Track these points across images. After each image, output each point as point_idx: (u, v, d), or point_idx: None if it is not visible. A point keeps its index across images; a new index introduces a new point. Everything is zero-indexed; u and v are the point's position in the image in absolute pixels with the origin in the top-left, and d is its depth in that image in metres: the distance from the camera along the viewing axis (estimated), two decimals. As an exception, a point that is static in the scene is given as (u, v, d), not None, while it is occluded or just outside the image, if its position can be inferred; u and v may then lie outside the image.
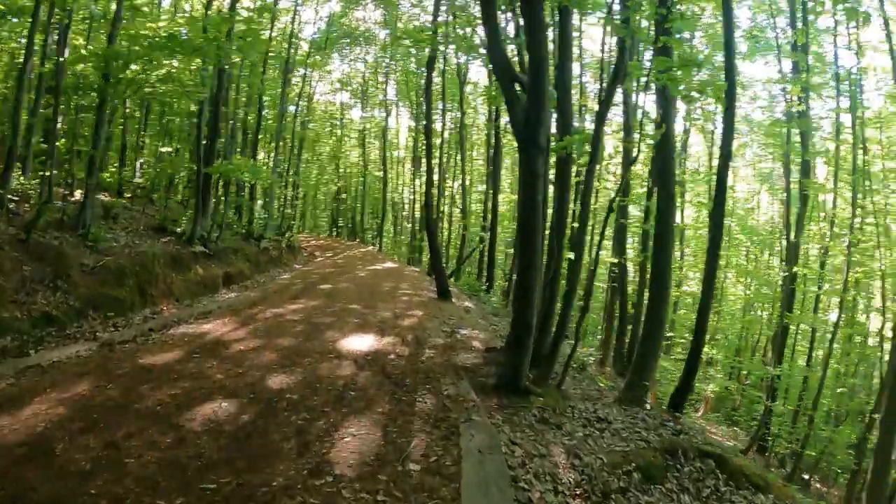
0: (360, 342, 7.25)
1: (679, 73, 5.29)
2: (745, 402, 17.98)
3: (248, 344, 6.85)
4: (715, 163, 18.50)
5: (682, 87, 5.53)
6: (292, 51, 24.39)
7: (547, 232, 7.41)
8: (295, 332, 7.67)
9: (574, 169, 8.51)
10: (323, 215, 46.33)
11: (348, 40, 33.52)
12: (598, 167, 6.95)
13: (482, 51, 10.62)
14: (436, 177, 23.04)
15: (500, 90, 10.34)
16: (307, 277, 15.13)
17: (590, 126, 22.21)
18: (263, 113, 22.60)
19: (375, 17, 31.42)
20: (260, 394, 5.03)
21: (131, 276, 9.42)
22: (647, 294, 13.34)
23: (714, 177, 8.76)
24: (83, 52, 10.26)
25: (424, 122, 13.82)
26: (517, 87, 6.08)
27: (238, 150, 19.50)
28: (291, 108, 25.18)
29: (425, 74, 13.39)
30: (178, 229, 12.42)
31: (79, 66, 10.17)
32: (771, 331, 17.01)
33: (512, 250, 27.30)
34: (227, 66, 12.64)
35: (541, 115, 5.62)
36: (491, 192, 20.84)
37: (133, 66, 9.33)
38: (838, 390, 12.83)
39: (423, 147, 22.71)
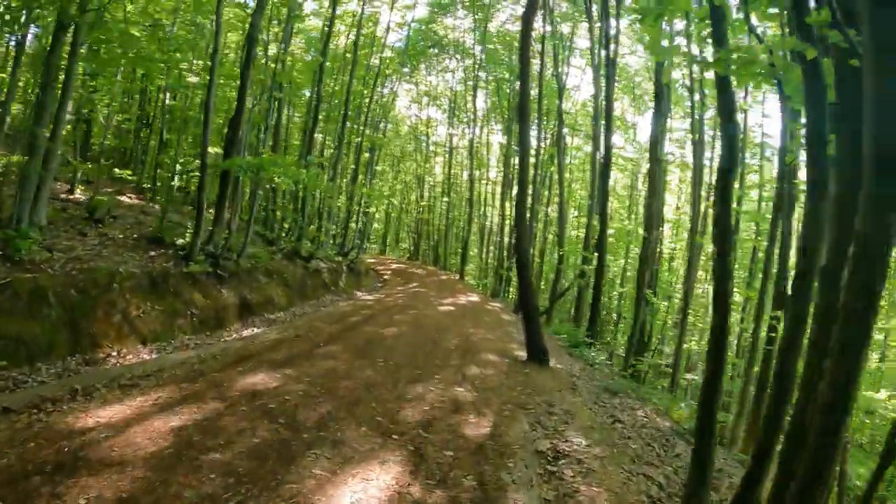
0: (359, 497, 3.34)
1: None
2: None
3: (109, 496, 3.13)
4: None
5: None
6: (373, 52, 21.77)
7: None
8: (248, 450, 3.94)
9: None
10: (407, 237, 43.48)
11: (435, 50, 30.72)
12: None
13: None
14: (530, 192, 19.07)
15: None
16: (357, 313, 11.56)
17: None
18: (329, 113, 19.78)
19: (466, 24, 28.50)
20: None
21: (57, 304, 6.20)
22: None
23: None
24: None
25: (519, 129, 9.86)
26: None
27: (301, 155, 16.61)
28: (379, 122, 22.37)
29: (520, 42, 9.53)
30: (181, 241, 9.30)
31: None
32: None
33: (626, 288, 22.15)
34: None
35: None
36: (597, 212, 16.36)
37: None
38: None
39: (515, 167, 18.87)
